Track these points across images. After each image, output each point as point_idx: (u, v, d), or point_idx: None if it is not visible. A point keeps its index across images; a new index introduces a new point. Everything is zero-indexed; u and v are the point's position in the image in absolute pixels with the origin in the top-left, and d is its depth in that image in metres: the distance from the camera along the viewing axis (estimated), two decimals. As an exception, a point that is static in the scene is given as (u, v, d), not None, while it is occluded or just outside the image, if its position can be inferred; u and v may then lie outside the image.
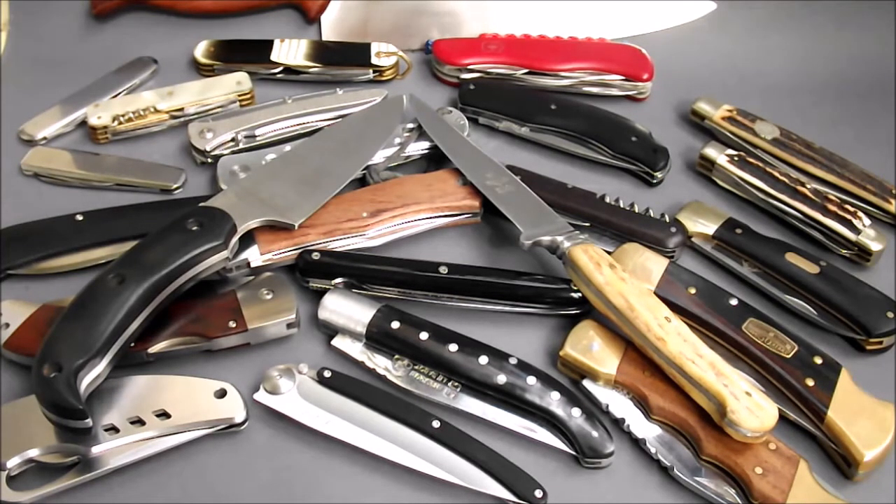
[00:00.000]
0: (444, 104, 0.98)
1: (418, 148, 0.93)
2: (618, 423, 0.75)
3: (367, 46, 1.02)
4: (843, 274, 0.82)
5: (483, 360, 0.75)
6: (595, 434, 0.72)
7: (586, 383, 0.77)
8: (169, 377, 0.74)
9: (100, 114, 0.95)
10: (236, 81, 0.98)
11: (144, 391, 0.73)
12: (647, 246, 0.83)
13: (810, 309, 0.82)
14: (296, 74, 1.01)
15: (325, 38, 1.06)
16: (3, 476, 0.69)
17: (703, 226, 0.87)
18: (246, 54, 1.02)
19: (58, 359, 0.68)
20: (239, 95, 0.97)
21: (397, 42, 1.04)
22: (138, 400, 0.72)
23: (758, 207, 0.91)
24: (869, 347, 0.80)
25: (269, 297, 0.78)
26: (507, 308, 0.81)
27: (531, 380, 0.74)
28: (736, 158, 0.91)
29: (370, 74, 1.02)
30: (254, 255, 0.82)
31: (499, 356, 0.76)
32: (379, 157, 0.91)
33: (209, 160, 0.93)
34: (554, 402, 0.73)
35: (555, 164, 0.95)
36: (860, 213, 0.86)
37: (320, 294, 0.80)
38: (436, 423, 0.72)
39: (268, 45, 1.02)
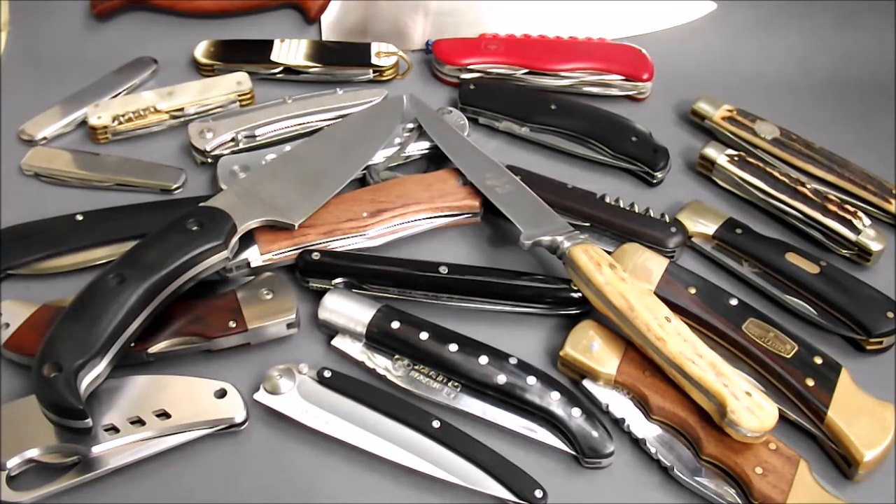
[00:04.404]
0: (444, 104, 0.98)
1: (418, 148, 0.93)
2: (618, 423, 0.75)
3: (367, 46, 1.02)
4: (843, 274, 0.82)
5: (483, 360, 0.75)
6: (595, 434, 0.72)
7: (586, 383, 0.77)
8: (169, 377, 0.74)
9: (100, 114, 0.95)
10: (236, 81, 0.98)
11: (144, 391, 0.73)
12: (647, 246, 0.83)
13: (810, 309, 0.82)
14: (296, 74, 1.01)
15: (325, 38, 1.06)
16: (3, 476, 0.69)
17: (703, 226, 0.87)
18: (246, 54, 1.02)
19: (58, 359, 0.68)
20: (239, 95, 0.97)
21: (397, 42, 1.04)
22: (138, 400, 0.72)
23: (758, 207, 0.91)
24: (869, 347, 0.80)
25: (269, 297, 0.78)
26: (507, 308, 0.81)
27: (531, 380, 0.74)
28: (736, 158, 0.91)
29: (370, 74, 1.02)
30: (254, 255, 0.82)
31: (499, 356, 0.76)
32: (379, 157, 0.91)
33: (209, 160, 0.93)
34: (554, 402, 0.73)
35: (555, 164, 0.95)
36: (860, 213, 0.86)
37: (320, 294, 0.80)
38: (436, 423, 0.72)
39: (268, 45, 1.02)
